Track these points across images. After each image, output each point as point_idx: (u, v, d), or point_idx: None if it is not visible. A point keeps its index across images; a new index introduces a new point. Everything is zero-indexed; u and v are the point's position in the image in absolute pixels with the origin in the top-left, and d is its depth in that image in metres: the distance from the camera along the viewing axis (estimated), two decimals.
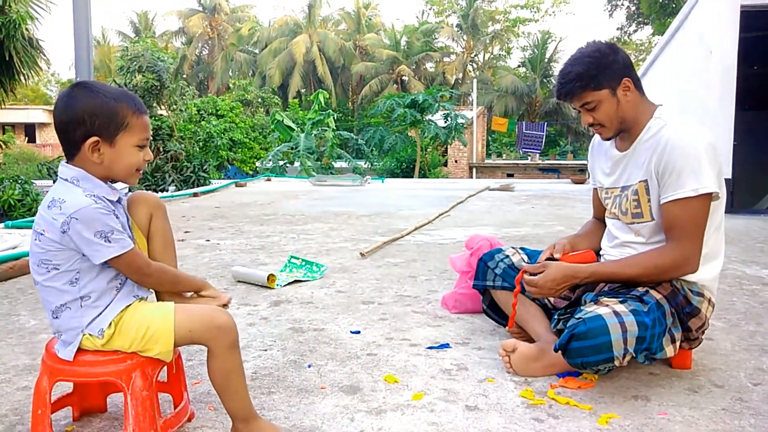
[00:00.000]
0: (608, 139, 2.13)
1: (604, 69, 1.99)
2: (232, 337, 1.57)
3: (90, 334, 1.51)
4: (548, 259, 2.14)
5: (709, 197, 1.94)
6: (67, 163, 1.54)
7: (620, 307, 1.88)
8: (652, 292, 1.97)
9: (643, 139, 2.05)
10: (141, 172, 1.62)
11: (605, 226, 2.28)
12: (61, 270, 1.49)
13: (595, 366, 1.88)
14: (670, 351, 1.97)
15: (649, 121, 2.05)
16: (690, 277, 2.02)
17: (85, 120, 1.49)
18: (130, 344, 1.52)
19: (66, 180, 1.52)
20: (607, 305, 1.89)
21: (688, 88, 8.21)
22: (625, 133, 2.09)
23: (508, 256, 2.39)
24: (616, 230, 2.18)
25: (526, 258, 2.37)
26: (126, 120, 1.53)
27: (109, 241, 1.46)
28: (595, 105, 2.01)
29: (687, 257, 1.96)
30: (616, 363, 1.86)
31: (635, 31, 25.58)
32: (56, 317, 1.52)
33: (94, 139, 1.50)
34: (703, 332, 2.06)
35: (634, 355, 1.86)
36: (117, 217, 1.53)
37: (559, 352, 1.90)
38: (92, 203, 1.46)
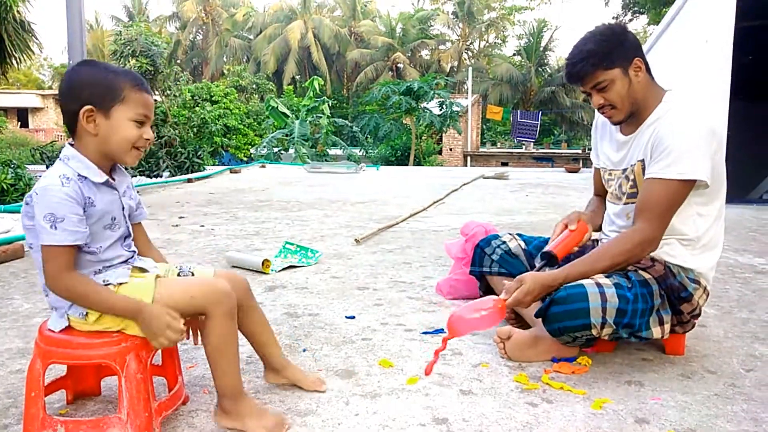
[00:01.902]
0: (618, 123, 2.09)
1: (616, 47, 1.97)
2: (231, 304, 1.58)
3: (75, 317, 1.51)
4: (547, 245, 2.15)
5: (692, 184, 1.92)
6: (71, 141, 1.56)
7: (604, 280, 1.93)
8: (640, 272, 1.99)
9: (649, 122, 2.03)
10: (141, 151, 1.59)
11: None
12: (34, 249, 1.50)
13: (572, 332, 1.91)
14: (657, 332, 1.97)
15: (658, 106, 2.03)
16: (688, 265, 2.02)
17: (83, 90, 1.51)
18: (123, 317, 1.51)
19: (60, 158, 1.54)
20: (592, 278, 1.94)
21: (684, 77, 8.20)
22: (632, 117, 2.06)
23: (505, 242, 2.39)
24: (615, 216, 2.18)
25: (523, 244, 2.37)
26: (123, 92, 1.52)
27: (55, 228, 1.42)
28: (607, 84, 1.98)
29: (654, 239, 1.95)
30: (594, 332, 1.89)
31: (631, 20, 25.47)
32: (47, 294, 1.53)
33: (89, 107, 1.50)
34: (695, 317, 2.07)
35: (615, 327, 1.89)
36: (92, 204, 1.50)
37: (540, 319, 1.95)
38: (59, 184, 1.45)
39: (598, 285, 1.90)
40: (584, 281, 1.92)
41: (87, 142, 1.53)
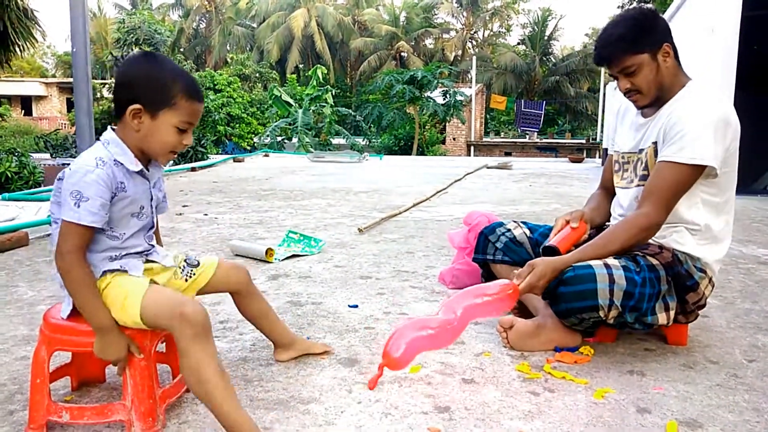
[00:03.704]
0: (643, 107, 2.08)
1: (646, 31, 1.96)
2: (197, 328, 1.44)
3: None
4: (551, 240, 2.15)
5: (701, 170, 1.93)
6: (113, 125, 1.57)
7: (612, 261, 1.93)
8: (648, 257, 1.99)
9: (667, 106, 2.03)
10: (175, 154, 1.61)
11: (612, 196, 2.29)
12: (57, 224, 1.50)
13: (579, 313, 1.91)
14: (662, 318, 1.98)
15: (680, 91, 2.03)
16: (696, 254, 2.03)
17: (135, 85, 1.51)
18: (111, 308, 1.50)
19: (100, 141, 1.56)
20: (600, 259, 1.94)
21: (689, 67, 8.16)
22: (656, 101, 2.05)
23: (509, 230, 2.38)
24: (626, 202, 2.17)
25: (528, 232, 2.37)
26: (174, 99, 1.52)
27: (78, 206, 1.43)
28: (635, 69, 1.97)
29: (657, 223, 1.96)
30: (601, 314, 1.89)
31: None
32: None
33: (137, 106, 1.50)
34: (699, 308, 2.07)
35: (621, 310, 1.89)
36: (123, 189, 1.52)
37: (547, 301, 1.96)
38: (93, 165, 1.47)
39: (607, 266, 1.91)
40: (593, 263, 1.92)
41: (128, 133, 1.54)
